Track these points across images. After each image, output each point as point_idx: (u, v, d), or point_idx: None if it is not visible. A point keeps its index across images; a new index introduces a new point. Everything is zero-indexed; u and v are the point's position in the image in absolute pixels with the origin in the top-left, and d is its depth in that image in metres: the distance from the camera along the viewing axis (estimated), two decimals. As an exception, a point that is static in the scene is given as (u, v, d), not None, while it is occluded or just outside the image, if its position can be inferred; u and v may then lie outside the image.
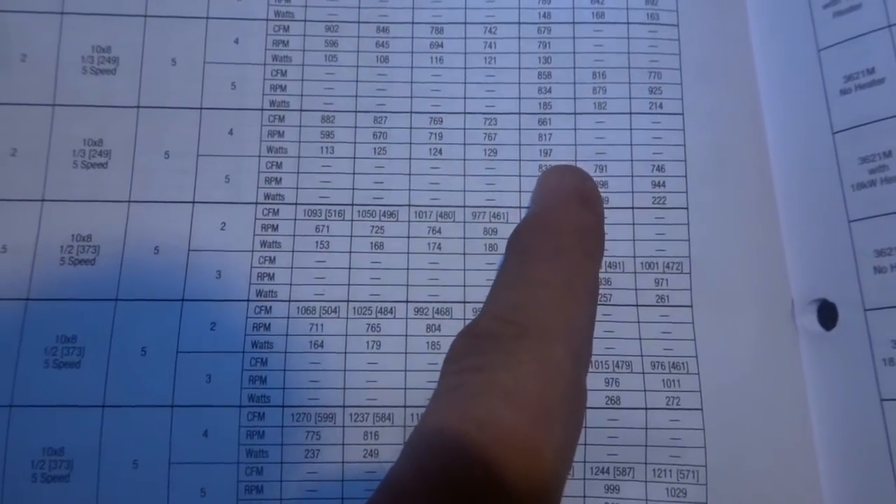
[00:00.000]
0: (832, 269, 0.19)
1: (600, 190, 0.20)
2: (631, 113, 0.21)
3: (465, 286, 0.20)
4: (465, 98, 0.22)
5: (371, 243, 0.20)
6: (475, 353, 0.12)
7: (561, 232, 0.14)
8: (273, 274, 0.20)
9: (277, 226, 0.21)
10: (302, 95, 0.21)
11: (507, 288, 0.13)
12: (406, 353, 0.20)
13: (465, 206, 0.21)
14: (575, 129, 0.21)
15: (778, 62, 0.21)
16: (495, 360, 0.12)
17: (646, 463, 0.19)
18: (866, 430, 0.18)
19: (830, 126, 0.20)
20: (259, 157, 0.21)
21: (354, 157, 0.21)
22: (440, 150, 0.21)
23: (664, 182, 0.21)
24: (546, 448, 0.11)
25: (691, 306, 0.20)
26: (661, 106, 0.21)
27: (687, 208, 0.21)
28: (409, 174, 0.21)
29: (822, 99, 0.20)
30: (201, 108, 0.21)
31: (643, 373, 0.20)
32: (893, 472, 0.18)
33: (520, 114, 0.21)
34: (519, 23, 0.22)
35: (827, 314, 0.20)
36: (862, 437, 0.18)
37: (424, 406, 0.19)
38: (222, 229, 0.20)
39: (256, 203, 0.21)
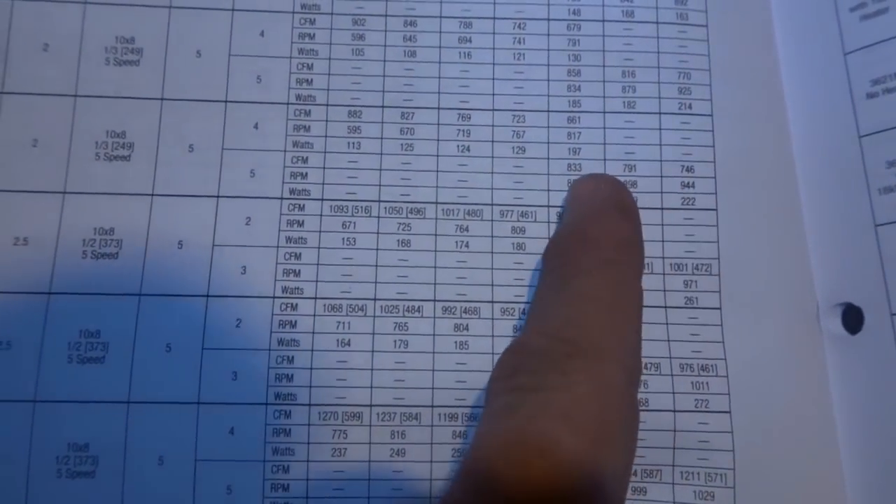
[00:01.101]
0: (858, 273, 0.20)
1: (631, 190, 0.21)
2: (660, 113, 0.21)
3: (492, 285, 0.20)
4: (493, 94, 0.21)
5: (398, 241, 0.20)
6: (528, 372, 0.12)
7: (603, 244, 0.14)
8: (299, 270, 0.20)
9: (303, 221, 0.20)
10: (328, 90, 0.21)
11: (554, 303, 0.13)
12: (434, 352, 0.20)
13: (492, 204, 0.21)
14: (604, 128, 0.21)
15: (803, 65, 0.21)
16: (550, 380, 0.11)
17: (673, 465, 0.19)
18: (891, 434, 0.18)
19: (857, 130, 0.20)
20: (284, 151, 0.21)
21: (381, 153, 0.21)
22: (468, 146, 0.21)
23: (693, 183, 0.21)
24: (606, 472, 0.11)
25: (720, 308, 0.20)
26: (690, 106, 0.21)
27: (716, 210, 0.21)
28: (437, 171, 0.21)
29: (848, 102, 0.20)
30: (226, 101, 0.21)
31: (672, 375, 0.20)
32: (919, 476, 0.18)
33: (549, 111, 0.21)
34: (548, 19, 0.22)
35: (852, 318, 0.20)
36: (886, 440, 0.19)
37: (452, 406, 0.19)
38: (247, 224, 0.20)
39: (282, 198, 0.21)
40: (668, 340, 0.20)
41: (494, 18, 0.22)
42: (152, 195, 0.20)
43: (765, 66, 0.22)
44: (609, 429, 0.11)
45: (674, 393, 0.20)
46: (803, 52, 0.21)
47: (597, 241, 0.14)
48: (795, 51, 0.21)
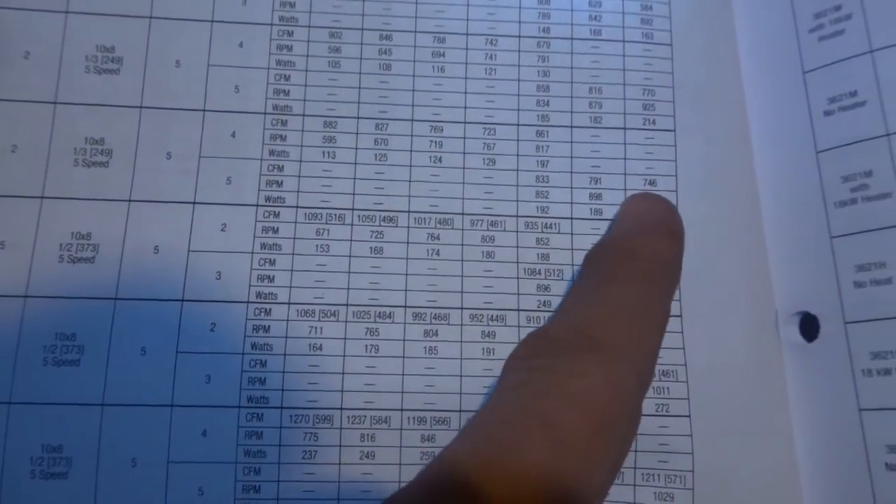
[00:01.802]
0: (814, 283, 0.21)
1: (596, 203, 0.21)
2: (625, 128, 0.22)
3: (462, 292, 0.21)
4: (465, 108, 0.22)
5: (370, 248, 0.21)
6: (545, 355, 0.12)
7: (646, 259, 0.14)
8: (273, 276, 0.21)
9: (278, 228, 0.21)
10: (305, 100, 0.22)
11: (586, 303, 0.14)
12: (404, 357, 0.20)
13: (463, 214, 0.21)
14: (571, 142, 0.22)
15: (765, 83, 0.22)
16: (564, 366, 0.12)
17: (635, 468, 0.20)
18: (846, 439, 0.19)
19: (815, 145, 0.21)
20: (261, 160, 0.21)
21: (356, 163, 0.22)
22: (440, 157, 0.22)
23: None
24: (601, 460, 0.11)
25: (681, 316, 0.21)
26: (653, 122, 0.22)
27: None
28: (410, 181, 0.22)
29: (806, 119, 0.21)
30: (204, 111, 0.22)
31: None
32: (871, 480, 0.19)
33: (518, 125, 0.22)
34: (519, 36, 0.23)
35: (809, 326, 0.21)
36: (841, 445, 0.19)
37: (421, 409, 0.20)
38: (223, 230, 0.21)
39: (257, 205, 0.21)
40: None
41: (467, 34, 0.23)
42: (129, 201, 0.21)
43: (728, 84, 0.23)
44: (612, 422, 0.12)
45: None
46: (765, 71, 0.22)
47: (641, 255, 0.14)
48: (757, 69, 0.23)
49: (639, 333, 0.13)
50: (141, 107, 0.21)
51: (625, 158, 0.22)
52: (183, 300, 0.20)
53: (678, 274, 0.15)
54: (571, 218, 0.22)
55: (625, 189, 0.22)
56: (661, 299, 0.14)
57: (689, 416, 0.20)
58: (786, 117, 0.22)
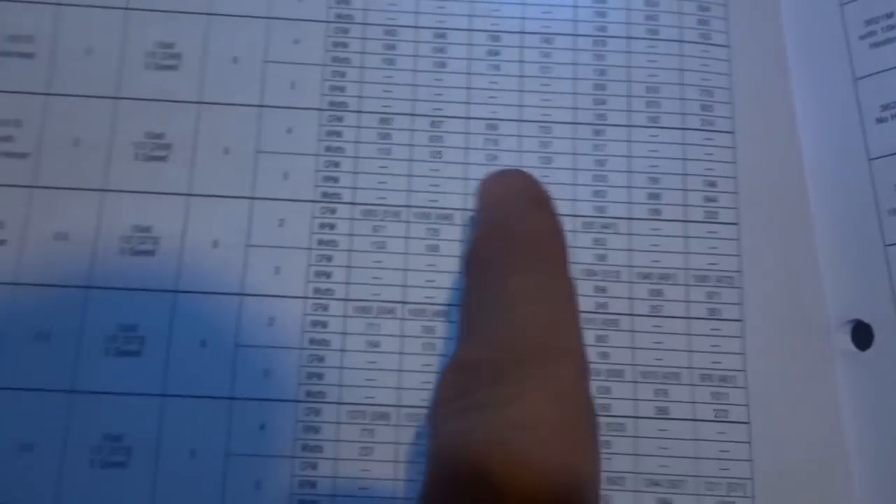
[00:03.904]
0: (868, 291, 0.21)
1: (654, 203, 0.22)
2: (684, 129, 0.22)
3: (518, 291, 0.21)
4: (520, 106, 0.23)
5: (426, 246, 0.21)
6: (476, 389, 0.11)
7: (528, 240, 0.13)
8: (330, 273, 0.21)
9: (334, 224, 0.22)
10: (360, 97, 0.22)
11: (489, 309, 0.12)
12: (458, 354, 0.21)
13: (519, 213, 0.22)
14: (629, 141, 0.22)
15: (815, 90, 0.22)
16: (501, 394, 0.11)
17: (696, 476, 0.20)
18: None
19: (867, 153, 0.21)
20: (317, 156, 0.22)
21: (411, 160, 0.22)
22: (495, 156, 0.22)
23: (716, 197, 0.22)
24: (578, 476, 0.11)
25: (741, 321, 0.21)
26: (712, 123, 0.22)
27: (738, 224, 0.22)
28: (465, 178, 0.22)
29: (858, 127, 0.21)
30: (261, 106, 0.22)
31: (692, 384, 0.21)
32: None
33: (575, 123, 0.23)
34: (575, 35, 0.23)
35: (862, 335, 0.21)
36: (895, 455, 0.19)
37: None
38: (280, 226, 0.21)
39: (314, 201, 0.22)
40: (689, 351, 0.21)
41: (522, 33, 0.23)
42: (188, 195, 0.21)
43: (781, 89, 0.23)
44: (572, 432, 0.11)
45: (694, 402, 0.21)
46: (815, 78, 0.23)
47: (521, 238, 0.13)
48: (807, 76, 0.23)
49: (557, 322, 0.12)
50: (199, 102, 0.22)
51: (684, 159, 0.22)
52: (242, 294, 0.21)
53: (563, 241, 0.14)
54: (630, 218, 0.22)
55: (684, 189, 0.22)
56: (561, 274, 0.13)
57: (748, 423, 0.20)
58: (837, 125, 0.22)
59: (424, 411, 0.20)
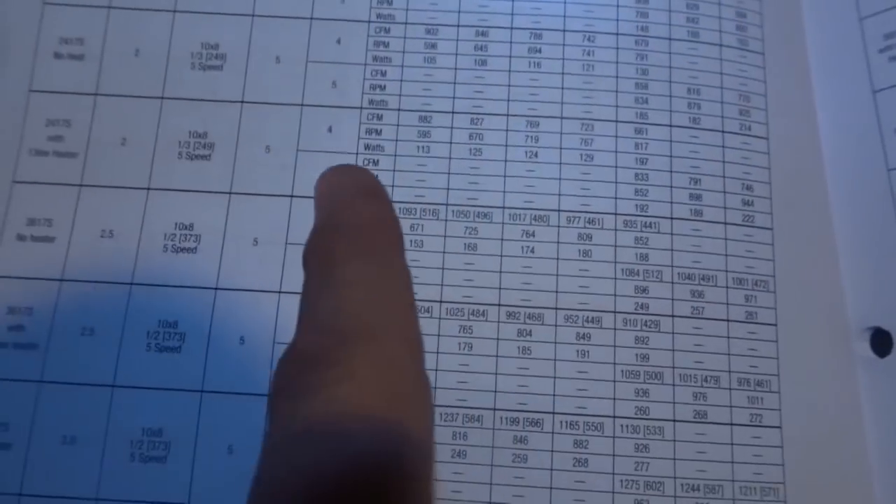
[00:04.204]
0: (887, 299, 0.20)
1: (695, 204, 0.21)
2: (723, 131, 0.22)
3: (557, 292, 0.21)
4: (561, 103, 0.22)
5: (464, 244, 0.21)
6: (303, 375, 0.11)
7: (357, 230, 0.13)
8: (367, 270, 0.21)
9: (372, 223, 0.22)
10: (400, 95, 0.22)
11: (319, 298, 0.13)
12: (497, 356, 0.21)
13: (559, 210, 0.21)
14: (671, 141, 0.22)
15: (835, 101, 0.23)
16: (328, 376, 0.11)
17: (733, 480, 0.19)
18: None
19: (886, 163, 0.21)
20: (357, 153, 0.22)
21: (450, 158, 0.22)
22: (536, 153, 0.22)
23: (752, 201, 0.22)
24: (406, 448, 0.11)
25: (776, 325, 0.21)
26: (749, 128, 0.22)
27: (772, 229, 0.21)
28: (504, 176, 0.22)
29: (877, 137, 0.22)
30: (302, 105, 0.22)
31: (730, 388, 0.20)
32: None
33: (616, 121, 0.22)
34: (617, 34, 0.23)
35: (881, 341, 0.20)
36: None
37: (513, 410, 0.20)
38: (318, 224, 0.21)
39: (352, 200, 0.22)
40: (729, 354, 0.20)
41: (564, 31, 0.23)
42: (230, 193, 0.22)
43: (805, 99, 0.23)
44: (399, 407, 0.11)
45: (731, 406, 0.20)
46: (835, 89, 0.23)
47: (349, 227, 0.14)
48: (828, 87, 0.23)
49: (384, 304, 0.12)
50: (242, 101, 0.22)
51: (723, 161, 0.22)
52: (280, 292, 0.21)
53: (395, 229, 0.14)
54: (671, 218, 0.21)
55: (724, 192, 0.22)
56: (392, 259, 0.13)
57: (780, 427, 0.20)
58: (856, 135, 0.22)
59: (459, 412, 0.20)
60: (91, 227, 0.21)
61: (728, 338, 0.20)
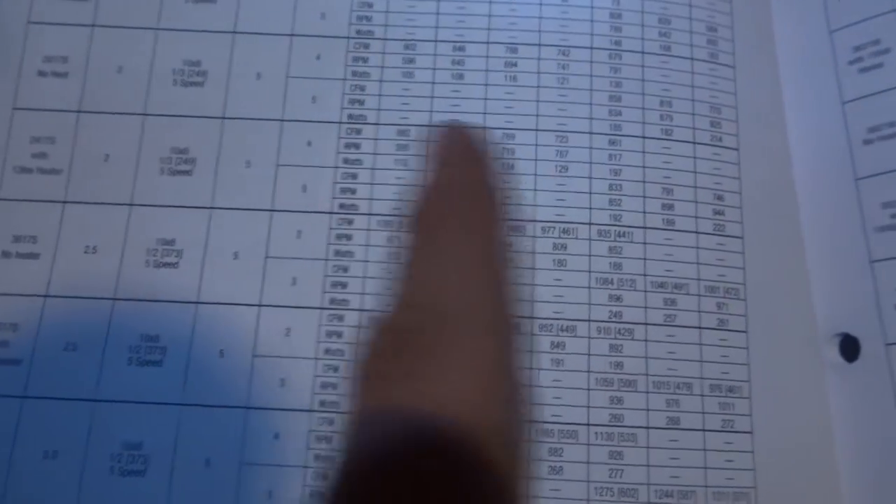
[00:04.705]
0: (855, 306, 0.21)
1: (668, 214, 0.22)
2: (695, 143, 0.22)
3: (533, 301, 0.21)
4: (537, 116, 0.23)
5: (442, 256, 0.22)
6: (400, 355, 0.12)
7: (463, 200, 0.13)
8: (346, 283, 0.22)
9: (351, 236, 0.22)
10: (379, 110, 0.23)
11: (419, 270, 0.13)
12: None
13: (535, 221, 0.22)
14: (643, 153, 0.22)
15: (805, 112, 0.23)
16: (423, 365, 0.11)
17: (706, 486, 0.20)
18: (888, 458, 0.20)
19: (854, 173, 0.22)
20: (335, 168, 0.23)
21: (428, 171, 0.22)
22: (512, 164, 0.22)
23: (723, 211, 0.22)
24: (496, 444, 0.11)
25: (746, 332, 0.21)
26: (720, 139, 0.23)
27: (742, 238, 0.22)
28: (481, 189, 0.22)
29: (846, 148, 0.22)
30: (282, 120, 0.23)
31: (702, 395, 0.20)
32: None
33: (591, 133, 0.23)
34: (591, 48, 0.23)
35: (849, 347, 0.21)
36: (884, 464, 0.20)
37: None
38: (298, 237, 0.22)
39: (331, 213, 0.22)
40: (701, 361, 0.21)
41: (539, 45, 0.23)
42: (211, 208, 0.22)
43: (775, 110, 0.23)
44: (492, 399, 0.11)
45: (703, 413, 0.20)
46: (805, 101, 0.23)
47: (455, 197, 0.13)
48: (798, 98, 0.23)
49: (486, 287, 0.12)
50: (223, 117, 0.23)
51: (695, 172, 0.22)
52: (260, 305, 0.21)
53: (503, 200, 0.14)
54: (644, 227, 0.22)
55: (695, 202, 0.22)
56: (497, 237, 0.13)
57: (751, 433, 0.20)
58: (825, 145, 0.23)
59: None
60: (75, 243, 0.22)
61: (700, 345, 0.21)
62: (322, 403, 0.21)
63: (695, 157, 0.22)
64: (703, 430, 0.20)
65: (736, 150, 0.23)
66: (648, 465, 0.20)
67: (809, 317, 0.21)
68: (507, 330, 0.12)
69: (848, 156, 0.22)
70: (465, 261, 0.12)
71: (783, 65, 0.24)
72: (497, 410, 0.11)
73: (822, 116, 0.23)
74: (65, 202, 0.22)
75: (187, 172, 0.22)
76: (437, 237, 0.13)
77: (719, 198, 0.22)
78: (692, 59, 0.23)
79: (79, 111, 0.23)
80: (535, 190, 0.22)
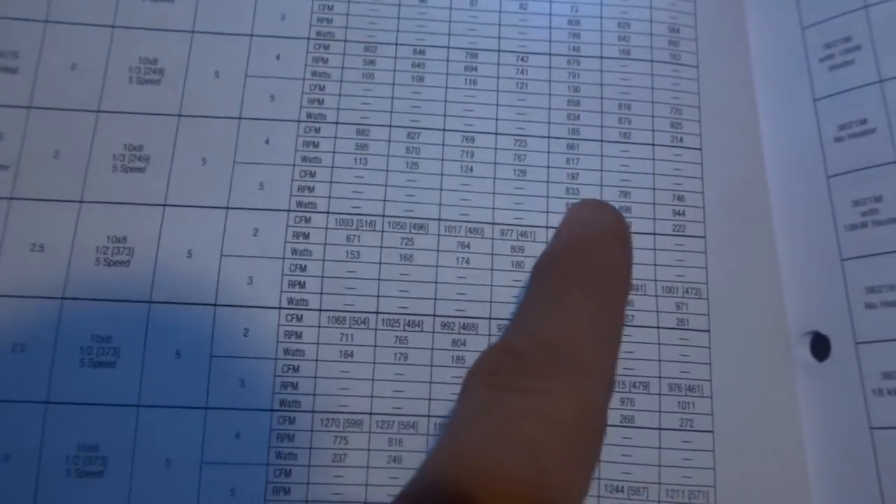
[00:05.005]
0: (825, 304, 0.21)
1: (625, 215, 0.22)
2: (654, 144, 0.23)
3: (491, 302, 0.22)
4: (496, 119, 0.23)
5: (400, 255, 0.22)
6: (510, 372, 0.12)
7: (600, 267, 0.14)
8: (304, 282, 0.22)
9: (309, 234, 0.22)
10: (338, 109, 0.23)
11: (543, 312, 0.14)
12: (432, 366, 0.21)
13: (493, 224, 0.22)
14: (602, 156, 0.23)
15: (777, 109, 0.24)
16: (532, 384, 0.12)
17: (659, 483, 0.21)
18: (857, 458, 0.20)
19: (825, 170, 0.22)
20: (294, 165, 0.23)
21: (387, 170, 0.23)
22: (471, 167, 0.23)
23: (684, 211, 0.23)
24: (577, 481, 0.12)
25: (709, 331, 0.22)
26: (681, 140, 0.23)
27: (705, 237, 0.23)
28: (440, 189, 0.23)
29: (817, 145, 0.23)
30: (240, 118, 0.23)
31: (660, 394, 0.21)
32: (882, 499, 0.20)
33: (549, 137, 0.23)
34: (550, 54, 0.24)
35: (820, 346, 0.21)
36: (853, 464, 0.20)
37: (448, 417, 0.21)
38: (255, 235, 0.22)
39: (289, 211, 0.22)
40: (659, 360, 0.22)
41: (499, 51, 0.24)
42: (165, 206, 0.22)
43: (746, 109, 0.24)
44: (585, 440, 0.12)
45: (660, 412, 0.21)
46: (777, 98, 0.24)
47: (594, 263, 0.15)
48: (771, 96, 0.24)
49: (601, 343, 0.13)
50: (179, 115, 0.23)
51: (654, 174, 0.23)
52: (216, 305, 0.21)
53: (630, 283, 0.15)
54: (600, 230, 0.23)
55: (654, 203, 0.23)
56: (618, 308, 0.14)
57: (712, 432, 0.21)
58: (797, 143, 0.23)
59: (396, 419, 0.21)
60: (21, 240, 0.21)
61: (658, 344, 0.22)
62: (283, 403, 0.21)
63: (654, 159, 0.23)
64: (659, 429, 0.21)
65: (699, 149, 0.23)
66: (600, 461, 0.21)
67: (779, 315, 0.22)
68: (609, 389, 0.13)
69: (819, 153, 0.22)
70: (592, 319, 0.13)
71: (756, 62, 0.24)
72: (588, 454, 0.12)
73: (795, 114, 0.23)
74: (11, 199, 0.22)
75: (141, 169, 0.22)
76: (567, 290, 0.14)
77: (679, 198, 0.23)
78: (652, 61, 0.24)
79: (29, 107, 0.22)
80: (494, 193, 0.23)
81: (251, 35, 0.23)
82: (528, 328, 0.13)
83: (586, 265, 0.15)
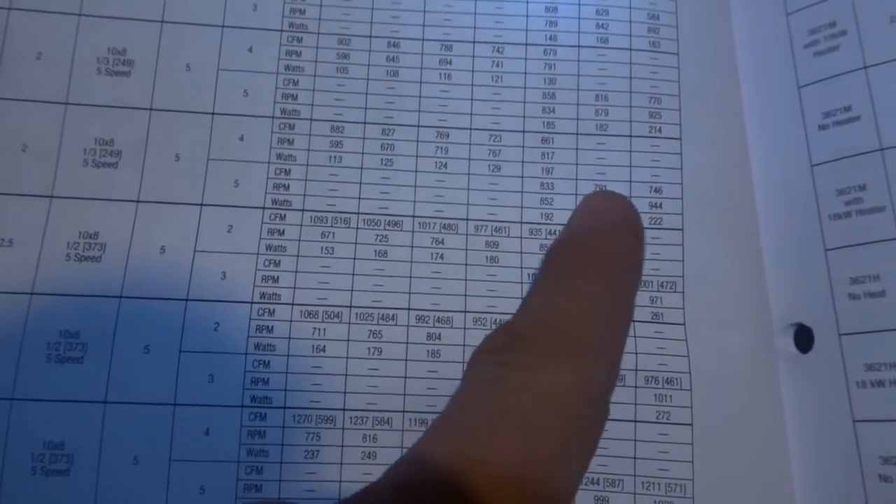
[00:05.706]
0: (809, 295, 0.21)
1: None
2: (631, 136, 0.23)
3: (465, 296, 0.22)
4: (471, 114, 0.23)
5: (375, 251, 0.22)
6: (515, 351, 0.13)
7: (611, 256, 0.15)
8: (277, 277, 0.22)
9: (284, 231, 0.22)
10: (312, 105, 0.23)
11: (553, 298, 0.14)
12: (406, 360, 0.21)
13: (467, 219, 0.23)
14: (577, 149, 0.23)
15: (761, 97, 0.23)
16: (536, 364, 0.12)
17: (635, 476, 0.21)
18: (840, 450, 0.20)
19: (810, 159, 0.22)
20: (268, 163, 0.23)
21: (362, 168, 0.23)
22: (445, 163, 0.23)
23: (661, 203, 0.23)
24: (573, 460, 0.12)
25: (684, 324, 0.22)
26: (660, 130, 0.23)
27: (682, 230, 0.23)
28: (415, 186, 0.23)
29: (801, 133, 0.22)
30: (213, 114, 0.23)
31: (636, 386, 0.21)
32: (864, 491, 0.20)
33: (524, 132, 0.23)
34: (526, 44, 0.24)
35: (804, 338, 0.21)
36: (836, 455, 0.20)
37: (423, 412, 0.21)
38: (229, 232, 0.22)
39: (264, 208, 0.22)
40: (636, 353, 0.22)
41: (474, 42, 0.24)
42: (137, 202, 0.22)
43: (729, 96, 0.24)
44: (583, 422, 0.12)
45: (636, 404, 0.21)
46: (761, 85, 0.23)
47: (606, 251, 0.15)
48: (754, 83, 0.24)
49: (607, 330, 0.14)
50: (151, 109, 0.23)
51: (630, 166, 0.23)
52: (187, 300, 0.21)
53: (640, 274, 0.15)
54: (575, 224, 0.23)
55: (630, 196, 0.23)
56: (627, 299, 0.15)
57: (690, 425, 0.21)
58: (781, 131, 0.23)
59: (370, 414, 0.21)
60: (-11, 235, 0.21)
61: (634, 337, 0.22)
62: (253, 399, 0.21)
63: (630, 151, 0.23)
64: (635, 422, 0.21)
65: (678, 139, 0.23)
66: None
67: (762, 307, 0.22)
68: (612, 373, 0.13)
69: (804, 141, 0.22)
70: (600, 307, 0.14)
71: (740, 49, 0.24)
72: (587, 435, 0.12)
73: (779, 101, 0.23)
74: (-21, 193, 0.21)
75: (113, 165, 0.22)
76: (573, 277, 0.14)
77: (657, 190, 0.23)
78: (631, 49, 0.24)
79: (-6, 98, 0.22)
80: (469, 189, 0.23)
81: (223, 26, 0.23)
82: (535, 310, 0.14)
83: (597, 252, 0.15)
